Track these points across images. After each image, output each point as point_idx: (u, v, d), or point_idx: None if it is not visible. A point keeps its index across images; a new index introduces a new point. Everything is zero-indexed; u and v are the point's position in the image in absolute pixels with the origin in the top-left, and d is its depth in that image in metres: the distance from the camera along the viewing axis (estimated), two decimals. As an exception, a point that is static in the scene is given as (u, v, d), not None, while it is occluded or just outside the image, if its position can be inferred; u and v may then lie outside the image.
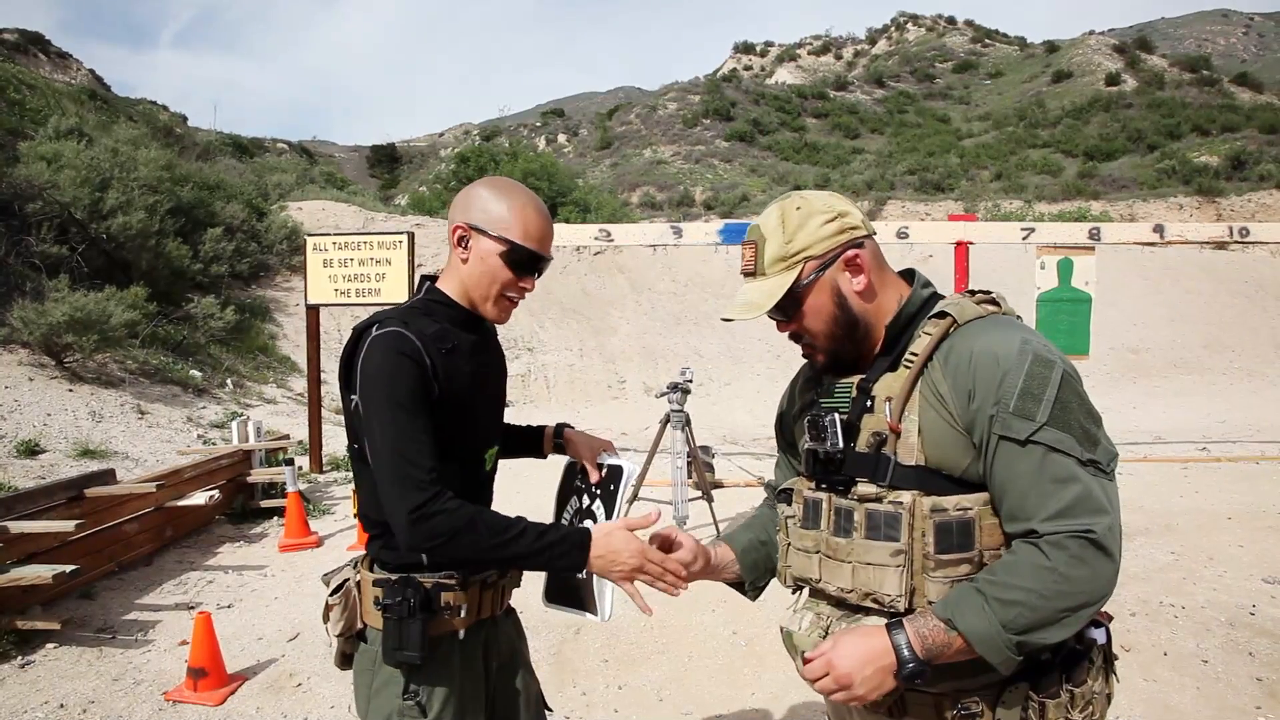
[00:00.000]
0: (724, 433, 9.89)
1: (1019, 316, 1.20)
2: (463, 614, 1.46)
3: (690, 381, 4.77)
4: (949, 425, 1.17)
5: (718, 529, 4.86)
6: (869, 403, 1.23)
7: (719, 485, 6.40)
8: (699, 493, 5.03)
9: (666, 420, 4.78)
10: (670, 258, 14.07)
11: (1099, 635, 1.22)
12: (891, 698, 1.21)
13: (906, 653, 1.14)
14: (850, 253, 1.21)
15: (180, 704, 2.97)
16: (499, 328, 1.52)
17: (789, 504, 1.35)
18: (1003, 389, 1.13)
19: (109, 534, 3.87)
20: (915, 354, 1.21)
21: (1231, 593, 3.81)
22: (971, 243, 6.15)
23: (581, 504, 1.52)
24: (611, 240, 6.17)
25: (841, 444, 1.25)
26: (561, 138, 49.81)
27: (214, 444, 6.13)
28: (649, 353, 12.36)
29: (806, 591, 1.32)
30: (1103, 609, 1.15)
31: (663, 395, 4.81)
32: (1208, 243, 8.24)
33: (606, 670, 3.19)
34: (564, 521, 1.48)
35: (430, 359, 1.27)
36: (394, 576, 1.34)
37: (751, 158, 39.60)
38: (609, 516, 1.41)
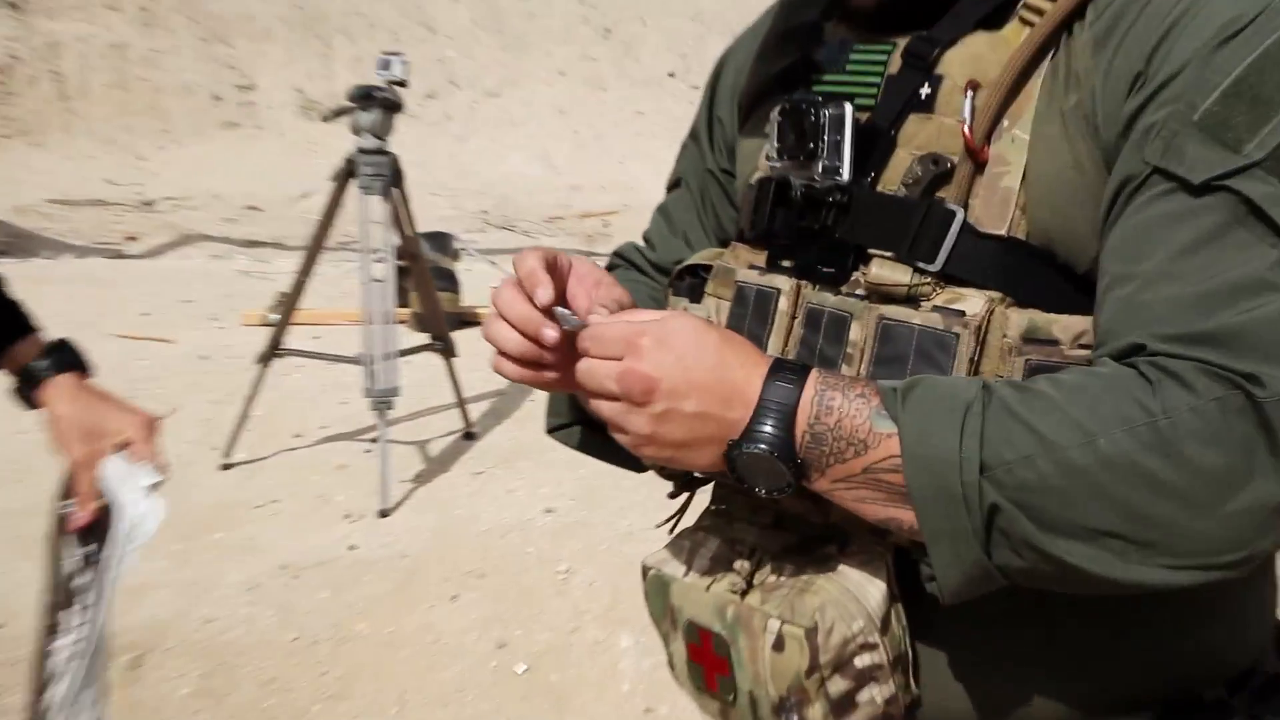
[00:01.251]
0: (485, 202, 7.90)
1: None
2: None
3: (403, 84, 3.59)
4: (1087, 153, 0.84)
5: (466, 422, 4.11)
6: (927, 88, 0.88)
7: (471, 317, 5.48)
8: (422, 335, 4.23)
9: (345, 180, 3.61)
10: None
11: None
12: (678, 494, 1.03)
13: (772, 415, 0.80)
14: None
15: None
16: None
17: (694, 298, 1.04)
18: (1203, 72, 0.77)
19: None
20: None
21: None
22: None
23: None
24: None
25: (848, 171, 0.90)
26: None
27: None
28: (310, 20, 9.79)
29: (709, 500, 1.04)
30: None
31: (340, 118, 3.63)
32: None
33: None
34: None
35: None
36: None
37: None
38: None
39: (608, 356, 0.82)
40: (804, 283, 0.94)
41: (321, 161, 8.92)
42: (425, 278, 3.90)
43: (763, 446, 0.79)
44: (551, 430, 1.13)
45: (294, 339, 3.88)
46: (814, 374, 0.81)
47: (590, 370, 0.83)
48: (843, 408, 0.79)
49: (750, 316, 0.98)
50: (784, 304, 0.94)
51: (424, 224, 5.71)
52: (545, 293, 0.86)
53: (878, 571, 0.86)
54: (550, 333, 0.87)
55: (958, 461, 0.75)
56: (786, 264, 0.95)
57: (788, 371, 0.81)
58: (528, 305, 0.88)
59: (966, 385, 0.77)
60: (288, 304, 3.67)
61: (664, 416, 0.81)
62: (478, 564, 3.11)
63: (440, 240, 5.59)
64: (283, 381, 4.36)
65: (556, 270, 0.91)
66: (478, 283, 6.24)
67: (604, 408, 0.83)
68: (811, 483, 0.81)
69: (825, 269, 0.93)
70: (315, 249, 3.64)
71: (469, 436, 3.99)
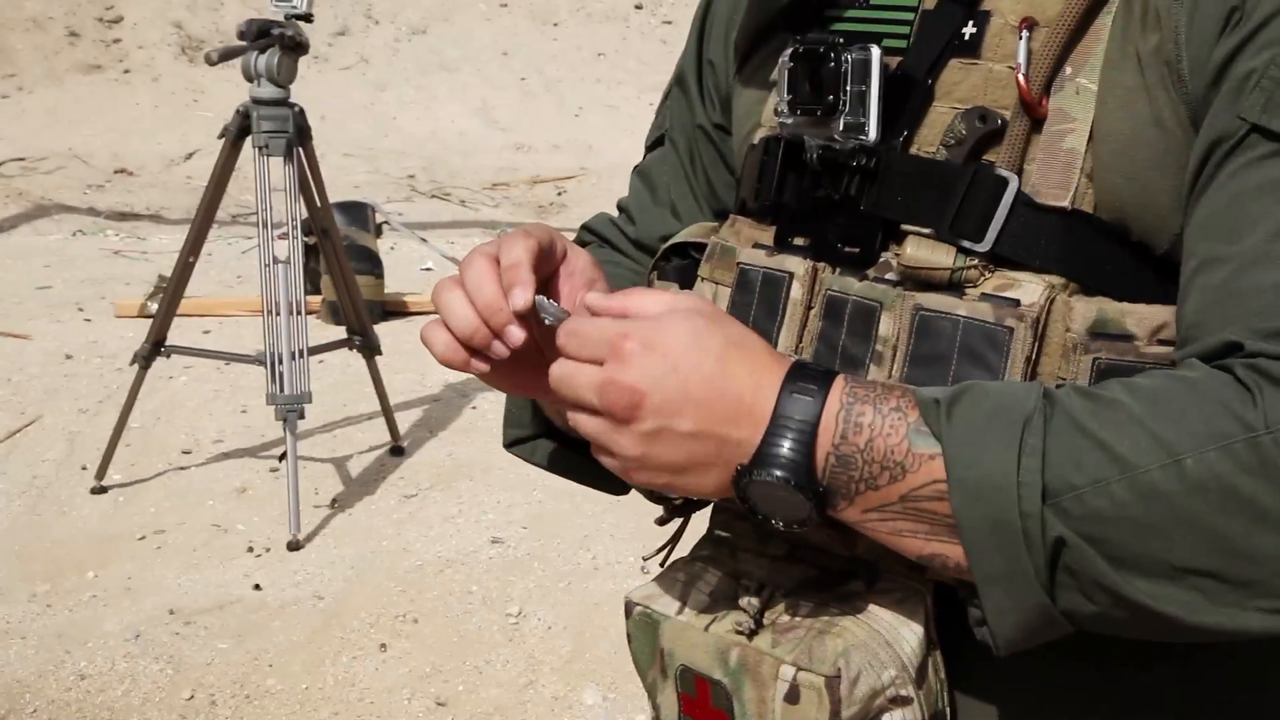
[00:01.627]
0: (411, 164, 8.13)
1: None
2: None
3: (307, 18, 3.61)
4: (1169, 106, 0.83)
5: (394, 434, 4.15)
6: (971, 27, 0.90)
7: (397, 307, 5.54)
8: (338, 328, 4.24)
9: (239, 138, 3.64)
10: None
11: None
12: (669, 519, 1.02)
13: (789, 434, 0.79)
14: None
15: None
16: None
17: (685, 284, 1.06)
18: None
19: None
20: None
21: None
22: None
23: None
24: None
25: (875, 129, 0.88)
26: None
27: None
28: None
29: (708, 524, 1.03)
30: None
31: (230, 61, 3.62)
32: None
33: None
34: None
35: None
36: None
37: None
38: None
39: (588, 359, 0.82)
40: (822, 265, 0.94)
41: (207, 115, 8.86)
42: (340, 258, 3.88)
43: (777, 473, 0.79)
44: (511, 444, 1.13)
45: (180, 334, 3.88)
46: (839, 381, 0.81)
47: (567, 377, 0.83)
48: (874, 424, 0.79)
49: (756, 306, 0.98)
50: (797, 291, 0.95)
51: (337, 192, 5.72)
52: (521, 296, 0.87)
53: (914, 613, 0.87)
54: (516, 332, 0.88)
55: (1015, 488, 0.75)
56: (800, 242, 0.97)
57: (808, 379, 0.81)
58: (497, 289, 0.89)
59: (1024, 393, 0.78)
60: (171, 291, 3.65)
61: (654, 436, 0.80)
62: (410, 606, 3.11)
63: (358, 212, 5.60)
64: (167, 386, 4.35)
65: (549, 259, 0.92)
66: (404, 264, 6.20)
67: (584, 423, 0.83)
68: (839, 512, 0.81)
69: (848, 248, 0.93)
70: (203, 223, 3.63)
71: (397, 452, 4.00)
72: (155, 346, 3.62)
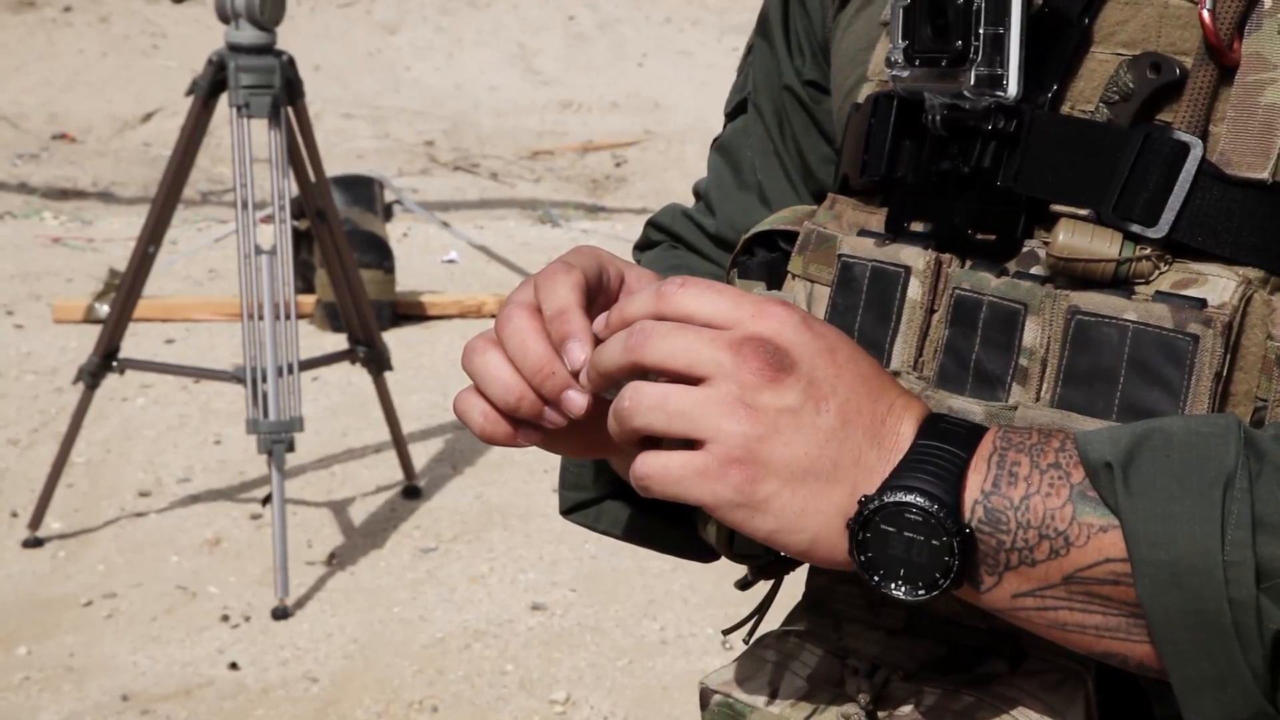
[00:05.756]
0: (429, 128, 8.21)
1: None
2: None
3: None
4: None
5: (408, 471, 4.19)
6: None
7: (411, 309, 5.71)
8: (337, 336, 4.21)
9: (211, 95, 3.75)
10: None
11: None
12: (761, 572, 1.05)
13: (932, 462, 0.83)
14: None
15: None
16: None
17: (772, 283, 1.10)
18: None
19: None
20: None
21: None
22: None
23: None
24: None
25: (1016, 83, 0.93)
26: None
27: None
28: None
29: (803, 593, 1.07)
30: None
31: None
32: None
33: None
34: None
35: None
36: None
37: None
38: None
39: (704, 316, 0.85)
40: (947, 257, 0.98)
41: (170, 65, 9.11)
42: (339, 247, 3.95)
43: (916, 499, 0.82)
44: (570, 510, 1.18)
45: (137, 344, 3.98)
46: (991, 430, 0.84)
47: (674, 332, 0.85)
48: (1031, 478, 0.82)
49: (863, 310, 1.02)
50: (916, 290, 0.98)
51: (336, 164, 5.83)
52: (579, 352, 0.90)
53: (1071, 702, 0.89)
54: (578, 399, 0.90)
55: (1220, 569, 0.77)
56: (919, 228, 1.00)
57: (950, 422, 0.85)
58: (545, 347, 0.91)
59: (1219, 442, 0.79)
60: (125, 289, 3.72)
61: (790, 415, 0.83)
62: (428, 690, 3.16)
63: (361, 189, 5.69)
64: (120, 410, 4.44)
65: (603, 293, 0.95)
66: (420, 255, 6.33)
67: (685, 397, 0.84)
68: (983, 593, 0.84)
69: (980, 235, 0.97)
70: (166, 203, 3.71)
71: (412, 493, 4.06)
72: (106, 360, 3.69)
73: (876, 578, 0.83)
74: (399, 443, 4.05)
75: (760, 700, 0.98)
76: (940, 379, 0.96)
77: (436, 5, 10.41)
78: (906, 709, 0.93)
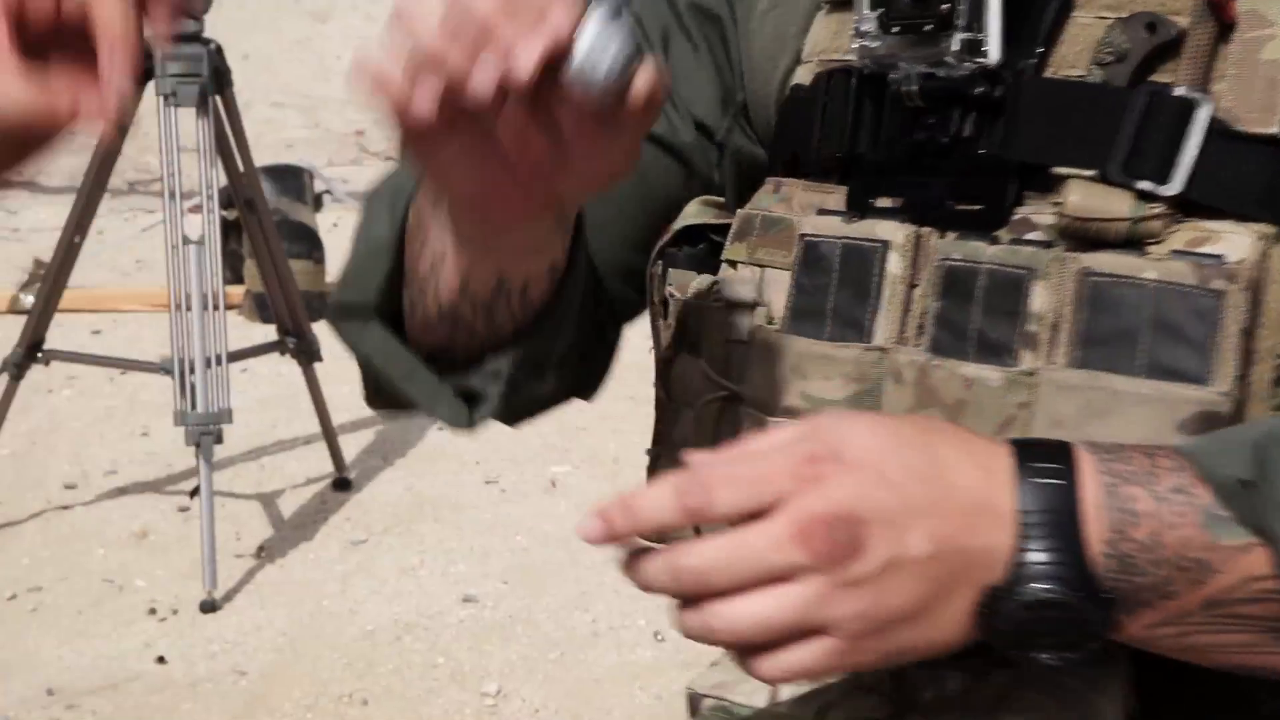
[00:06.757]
0: (360, 117, 8.19)
1: None
2: None
3: None
4: None
5: (338, 463, 4.18)
6: None
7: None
8: (266, 327, 4.29)
9: (139, 82, 3.63)
10: None
11: None
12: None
13: (1048, 534, 0.78)
14: None
15: None
16: None
17: (692, 268, 1.07)
18: None
19: None
20: None
21: None
22: None
23: None
24: None
25: (997, 47, 0.92)
26: None
27: None
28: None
29: None
30: None
31: None
32: None
33: None
34: None
35: None
36: None
37: None
38: None
39: (749, 509, 0.77)
40: (926, 230, 0.97)
41: (99, 54, 9.06)
42: (269, 237, 3.94)
43: (1050, 587, 0.78)
44: (340, 315, 1.08)
45: (62, 335, 3.92)
46: (1084, 455, 0.81)
47: (732, 549, 0.77)
48: (1154, 511, 0.79)
49: (837, 289, 0.99)
50: (896, 264, 0.96)
51: (265, 153, 5.76)
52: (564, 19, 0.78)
53: (1109, 682, 0.88)
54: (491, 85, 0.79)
55: None
56: (886, 203, 0.99)
57: (1043, 456, 0.81)
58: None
59: None
60: (51, 280, 3.71)
61: (887, 573, 0.78)
62: (358, 684, 3.15)
63: (291, 179, 5.70)
64: (45, 402, 4.40)
65: None
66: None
67: (772, 602, 0.77)
68: (1114, 630, 0.82)
69: (960, 206, 0.96)
70: (92, 193, 3.70)
71: (342, 485, 4.05)
72: (30, 351, 3.65)
73: (1018, 651, 0.81)
74: (329, 434, 4.03)
75: (761, 699, 0.97)
76: (934, 350, 0.94)
77: (368, -10, 10.37)
78: (929, 692, 0.92)
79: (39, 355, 3.65)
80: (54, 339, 3.68)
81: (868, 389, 0.97)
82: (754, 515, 0.76)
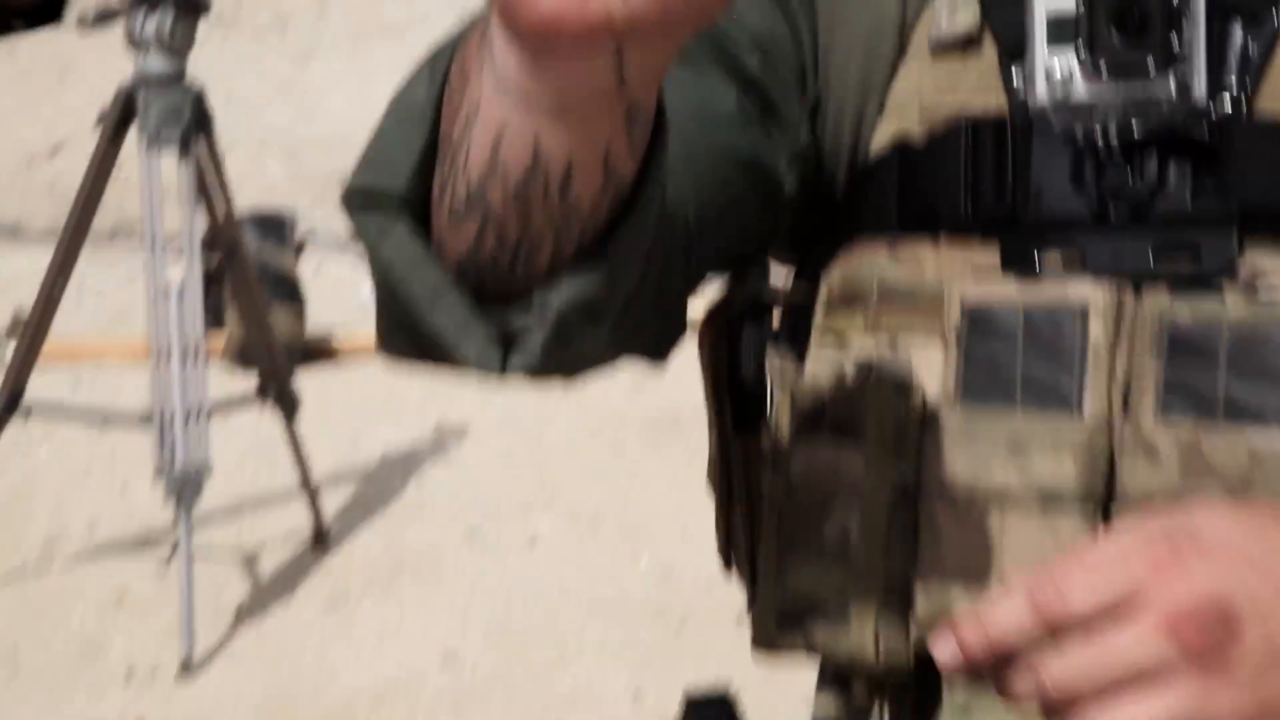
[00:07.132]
0: (342, 161, 8.14)
1: None
2: None
3: None
4: None
5: (317, 520, 4.12)
6: None
7: (322, 349, 5.63)
8: (246, 376, 4.28)
9: (120, 126, 3.69)
10: None
11: None
12: None
13: None
14: None
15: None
16: None
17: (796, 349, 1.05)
18: None
19: None
20: None
21: None
22: None
23: None
24: None
25: (1202, 86, 0.88)
26: None
27: None
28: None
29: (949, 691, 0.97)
30: None
31: (107, 24, 4.18)
32: None
33: None
34: None
35: None
36: None
37: None
38: None
39: (1105, 605, 0.72)
40: (1125, 287, 0.92)
41: (78, 95, 8.97)
42: (250, 285, 3.94)
43: None
44: (360, 204, 0.85)
45: (41, 386, 3.90)
46: None
47: (1093, 655, 0.72)
48: None
49: (1024, 360, 0.95)
50: (1098, 329, 0.92)
51: (248, 197, 5.73)
52: None
53: None
54: None
55: None
56: (1059, 261, 0.95)
57: None
58: None
59: None
60: (29, 330, 3.70)
61: (1265, 658, 0.73)
62: (337, 749, 3.15)
63: (274, 226, 5.74)
64: (24, 458, 4.39)
65: None
66: (332, 292, 6.24)
67: (1139, 711, 0.72)
68: None
69: (1160, 263, 0.92)
70: (73, 241, 3.68)
71: (322, 541, 4.05)
72: (10, 403, 3.64)
73: None
74: (309, 489, 4.03)
75: None
76: (1163, 415, 0.90)
77: (350, 32, 10.38)
78: None
79: (19, 409, 3.64)
80: (34, 390, 3.66)
81: (1095, 463, 0.92)
82: (1113, 614, 0.71)
